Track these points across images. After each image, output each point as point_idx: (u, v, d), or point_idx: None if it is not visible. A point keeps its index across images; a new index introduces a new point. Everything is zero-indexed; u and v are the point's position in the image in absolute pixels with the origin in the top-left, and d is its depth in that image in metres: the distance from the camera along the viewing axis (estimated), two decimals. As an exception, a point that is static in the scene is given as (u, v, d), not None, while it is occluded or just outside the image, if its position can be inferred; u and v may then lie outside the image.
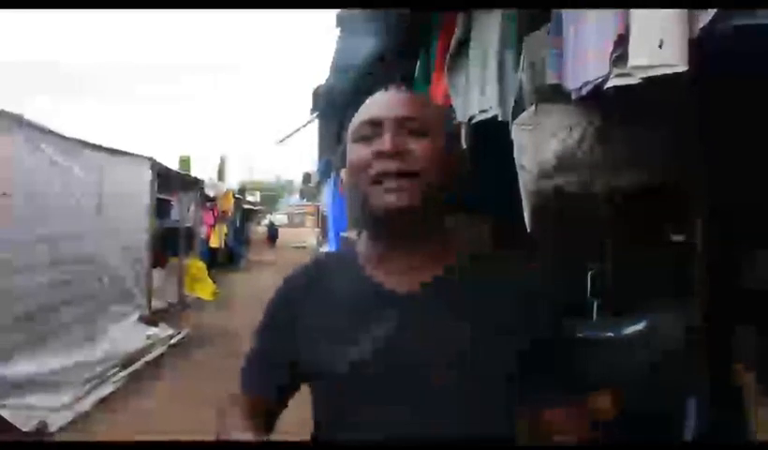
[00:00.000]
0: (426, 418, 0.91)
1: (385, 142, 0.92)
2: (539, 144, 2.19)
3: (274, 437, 0.95)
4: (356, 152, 0.97)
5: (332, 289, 1.02)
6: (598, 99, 1.91)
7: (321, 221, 15.08)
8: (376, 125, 0.95)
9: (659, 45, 1.41)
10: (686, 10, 1.36)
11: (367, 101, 1.02)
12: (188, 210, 11.34)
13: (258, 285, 10.87)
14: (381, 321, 0.95)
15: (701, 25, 1.33)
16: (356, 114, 1.02)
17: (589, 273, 2.22)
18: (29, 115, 4.85)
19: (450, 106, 2.87)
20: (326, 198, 12.24)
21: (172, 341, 7.07)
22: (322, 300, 1.02)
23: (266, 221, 32.86)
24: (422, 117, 0.96)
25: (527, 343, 0.95)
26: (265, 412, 1.03)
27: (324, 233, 13.08)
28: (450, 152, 0.99)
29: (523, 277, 1.03)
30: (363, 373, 0.93)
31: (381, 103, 0.98)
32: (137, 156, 7.59)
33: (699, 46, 1.37)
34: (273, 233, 28.72)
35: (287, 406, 1.08)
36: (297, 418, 1.23)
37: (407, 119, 0.95)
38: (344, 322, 0.97)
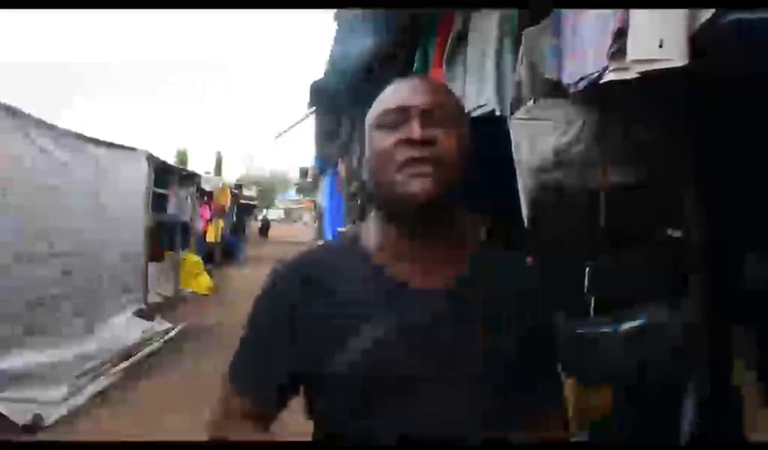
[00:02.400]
0: (451, 419, 0.87)
1: (413, 130, 0.90)
2: (538, 139, 2.19)
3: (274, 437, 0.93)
4: (379, 139, 0.94)
5: (336, 281, 0.95)
6: (596, 95, 1.91)
7: (318, 217, 15.06)
8: (402, 112, 0.92)
9: (660, 45, 1.40)
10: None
11: (390, 88, 0.99)
12: (185, 204, 11.31)
13: (255, 280, 10.82)
14: (403, 317, 0.90)
15: (701, 21, 1.33)
16: (378, 101, 0.98)
17: (587, 269, 2.21)
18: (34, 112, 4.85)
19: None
20: (323, 193, 12.20)
21: (168, 336, 7.07)
22: (326, 292, 0.94)
23: (261, 216, 33.11)
24: (448, 107, 0.94)
25: (540, 343, 0.97)
26: (257, 417, 0.96)
27: (321, 229, 13.05)
28: (468, 144, 0.97)
29: (534, 277, 1.03)
30: (385, 372, 0.88)
31: (408, 91, 0.95)
32: (134, 149, 7.58)
33: (697, 42, 1.36)
34: (264, 227, 29.77)
35: (280, 411, 0.99)
36: (297, 419, 1.20)
37: (435, 108, 0.92)
38: (358, 318, 0.91)
